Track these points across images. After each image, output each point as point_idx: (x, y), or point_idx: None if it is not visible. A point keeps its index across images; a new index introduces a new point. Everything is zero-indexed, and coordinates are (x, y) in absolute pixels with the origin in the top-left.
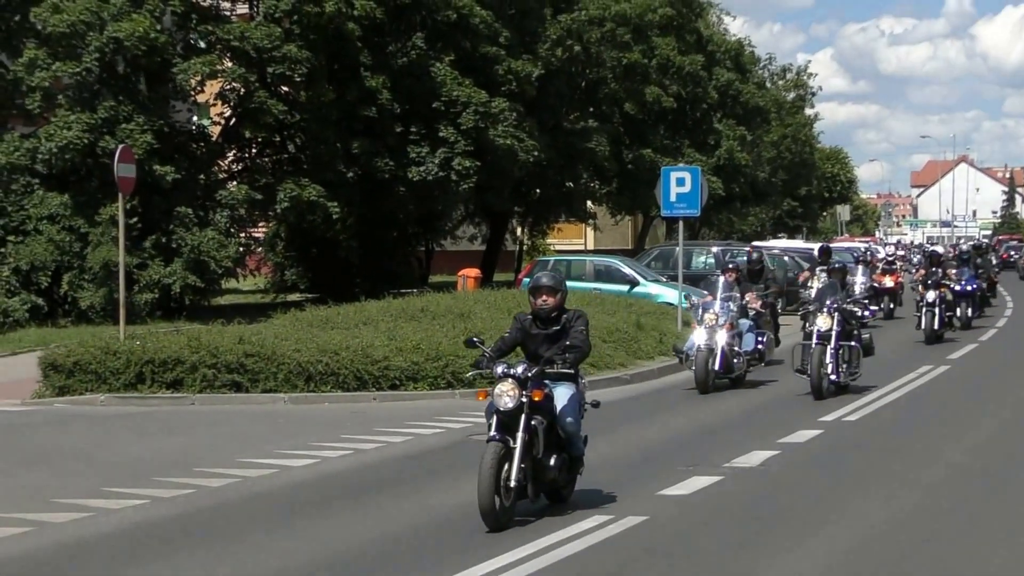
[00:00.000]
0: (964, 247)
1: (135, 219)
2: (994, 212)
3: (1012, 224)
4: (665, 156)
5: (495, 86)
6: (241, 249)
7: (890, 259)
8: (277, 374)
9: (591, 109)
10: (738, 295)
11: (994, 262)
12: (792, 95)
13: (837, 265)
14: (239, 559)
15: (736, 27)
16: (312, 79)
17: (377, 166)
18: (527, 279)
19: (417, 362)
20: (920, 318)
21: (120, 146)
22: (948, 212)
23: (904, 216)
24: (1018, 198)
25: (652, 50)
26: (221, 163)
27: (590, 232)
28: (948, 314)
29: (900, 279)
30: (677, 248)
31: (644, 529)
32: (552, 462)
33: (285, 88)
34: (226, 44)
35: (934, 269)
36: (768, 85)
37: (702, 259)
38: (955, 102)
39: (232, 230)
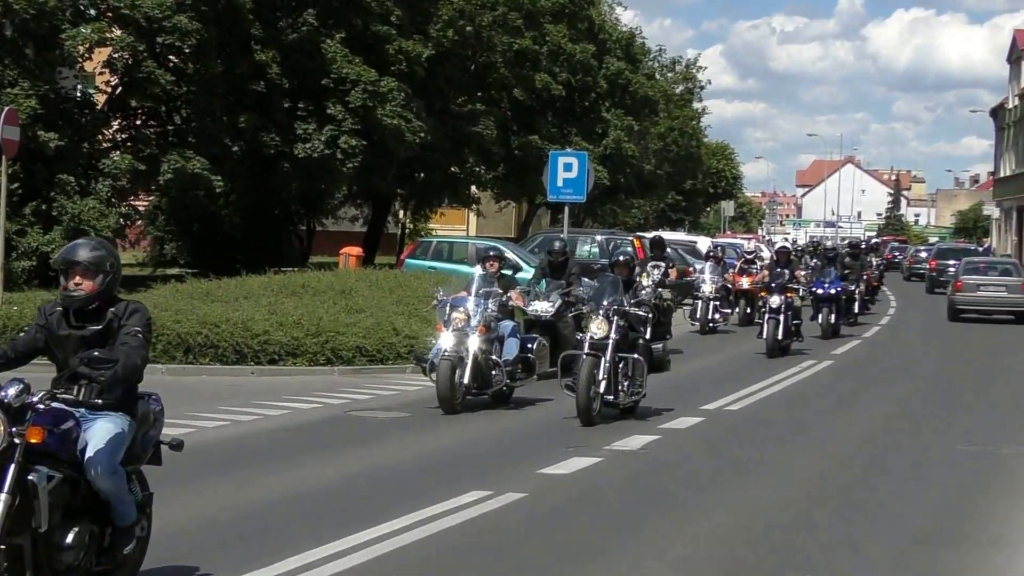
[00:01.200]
0: (829, 244)
1: (16, 185)
2: (879, 214)
3: (897, 226)
4: (552, 143)
5: (385, 65)
6: (122, 220)
7: (749, 258)
8: (156, 344)
9: (479, 93)
10: (499, 291)
11: (875, 263)
12: (681, 88)
13: (622, 258)
14: None
15: (627, 19)
16: (202, 51)
17: (263, 141)
18: (410, 259)
19: (297, 337)
20: (763, 326)
21: (6, 108)
22: (833, 212)
23: (788, 216)
24: (903, 200)
25: (543, 37)
26: (106, 132)
27: (472, 218)
28: (795, 322)
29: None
30: (561, 235)
31: (523, 505)
32: (69, 539)
33: (174, 59)
34: (116, 12)
35: (780, 270)
36: (657, 77)
37: (586, 247)
38: (844, 103)
39: (113, 200)
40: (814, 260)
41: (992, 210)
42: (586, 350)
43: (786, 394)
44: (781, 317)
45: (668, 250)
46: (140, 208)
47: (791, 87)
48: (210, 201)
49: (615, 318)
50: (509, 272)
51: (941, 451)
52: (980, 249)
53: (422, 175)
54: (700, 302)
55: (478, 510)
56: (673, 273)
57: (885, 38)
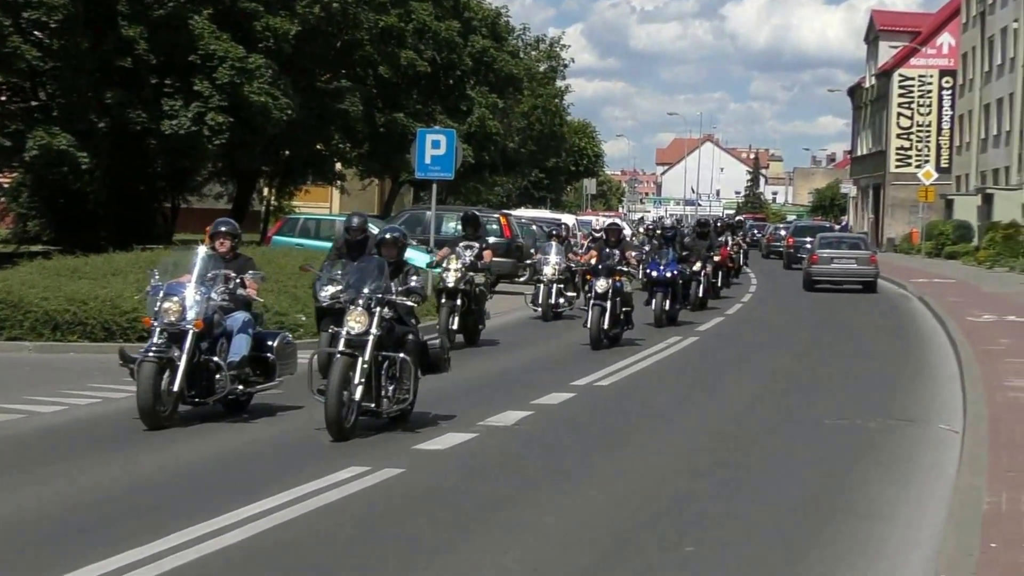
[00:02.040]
0: (667, 223)
1: None
2: (738, 192)
3: (756, 204)
4: (418, 121)
5: (252, 42)
6: None
7: (597, 236)
8: (23, 322)
9: (344, 71)
10: (225, 273)
11: (739, 241)
12: (544, 66)
13: (388, 236)
14: None
15: None
16: (68, 27)
17: (130, 118)
18: (277, 236)
19: None
20: (587, 314)
21: None
22: (693, 191)
23: (648, 194)
24: (761, 179)
25: (409, 14)
26: None
27: (336, 196)
28: (625, 309)
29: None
30: (428, 212)
31: (402, 481)
32: None
33: (39, 34)
34: None
35: (609, 251)
36: (522, 55)
37: (452, 224)
38: (702, 82)
39: None
40: (652, 240)
41: (849, 188)
42: (340, 348)
43: (655, 370)
44: (608, 304)
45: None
46: (4, 184)
47: (651, 66)
48: (75, 178)
49: (378, 309)
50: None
51: (809, 425)
52: (838, 227)
53: (287, 152)
54: (542, 286)
55: (357, 486)
56: (487, 255)
57: (743, 18)
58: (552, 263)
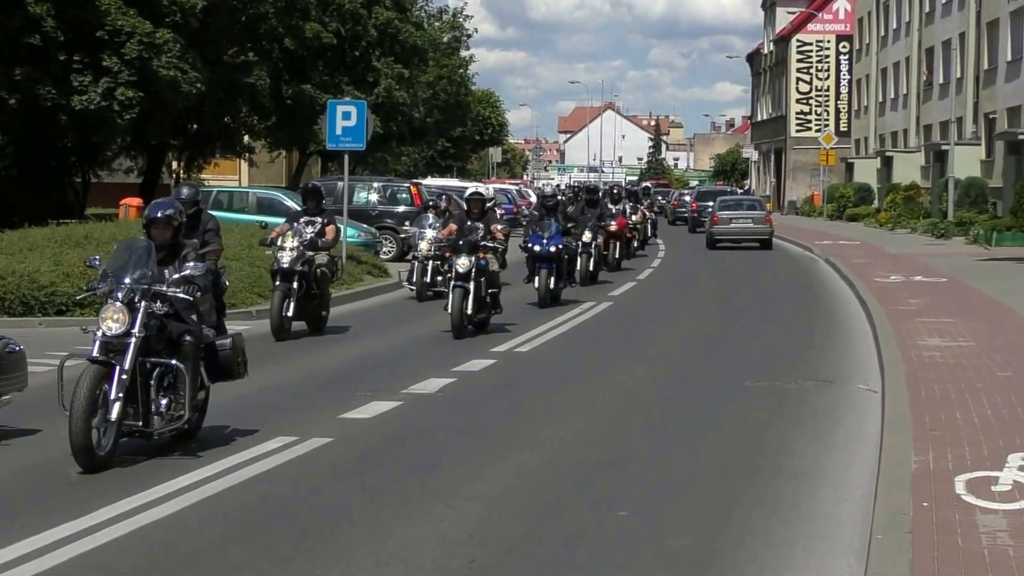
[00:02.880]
0: (548, 191)
1: None
2: (640, 158)
3: (658, 170)
4: (325, 92)
5: (159, 17)
6: None
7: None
8: None
9: (250, 45)
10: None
11: (627, 210)
12: (448, 37)
13: (161, 214)
14: None
15: None
16: None
17: (39, 94)
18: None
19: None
20: (448, 297)
21: None
22: (595, 158)
23: (552, 162)
24: (663, 145)
25: None
26: None
27: (245, 169)
28: (491, 290)
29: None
30: (339, 183)
31: (330, 450)
32: None
33: None
34: None
35: (471, 224)
36: (425, 26)
37: (364, 194)
38: (601, 51)
39: None
40: (532, 210)
41: (751, 153)
42: (94, 354)
43: (571, 335)
44: (471, 285)
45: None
46: None
47: (550, 36)
48: None
49: (142, 304)
50: None
51: (730, 387)
52: (740, 192)
53: (195, 126)
54: (416, 263)
55: (285, 456)
56: (331, 232)
57: None
58: (428, 237)
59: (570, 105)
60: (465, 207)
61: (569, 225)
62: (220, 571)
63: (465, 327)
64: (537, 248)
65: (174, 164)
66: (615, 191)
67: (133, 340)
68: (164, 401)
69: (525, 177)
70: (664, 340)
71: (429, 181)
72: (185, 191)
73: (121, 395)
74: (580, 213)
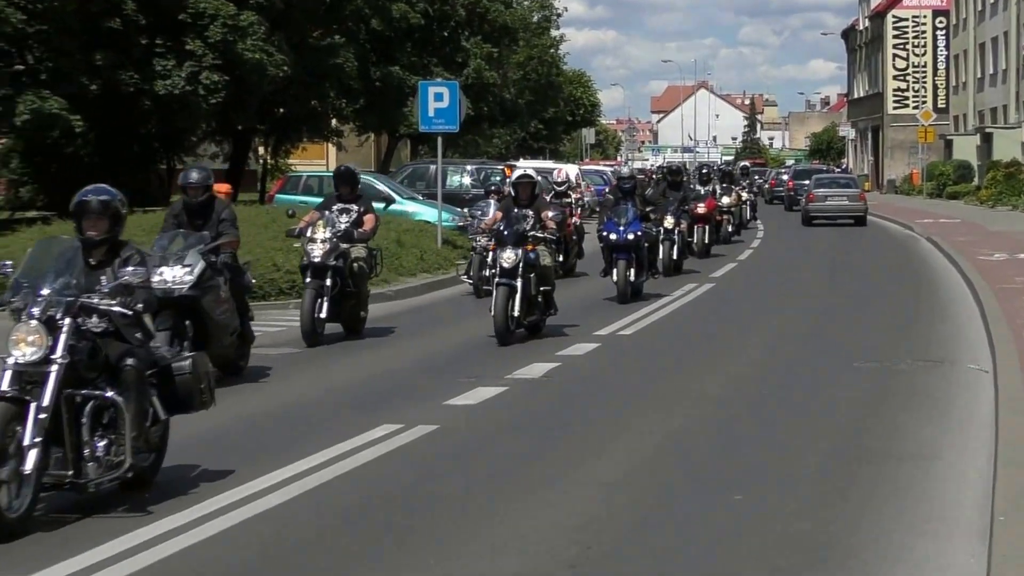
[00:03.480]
0: (624, 171)
1: None
2: (734, 138)
3: (754, 149)
4: (414, 74)
5: None
6: None
7: (560, 190)
8: None
9: (335, 27)
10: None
11: (718, 190)
12: (538, 16)
13: (92, 198)
14: None
15: None
16: None
17: (121, 79)
18: (279, 195)
19: None
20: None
21: None
22: (690, 138)
23: (645, 142)
24: (758, 124)
25: None
26: None
27: (332, 154)
28: (543, 288)
29: (575, 219)
30: (432, 166)
31: (437, 437)
32: None
33: None
34: None
35: (519, 211)
36: (515, 5)
37: (456, 178)
38: (692, 28)
39: None
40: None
41: (847, 131)
42: (2, 388)
43: (675, 317)
44: (519, 283)
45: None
46: None
47: (639, 14)
48: (67, 142)
49: (66, 321)
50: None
51: (840, 368)
52: (838, 170)
53: (281, 110)
54: (474, 254)
55: (392, 444)
56: (368, 222)
57: None
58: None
59: (661, 85)
60: (512, 191)
61: (648, 209)
62: (331, 561)
63: (511, 331)
64: (613, 237)
65: (260, 149)
66: (704, 171)
67: (55, 368)
68: (102, 444)
69: (619, 158)
70: (769, 320)
71: (522, 163)
72: (195, 175)
73: (38, 439)
74: (661, 195)
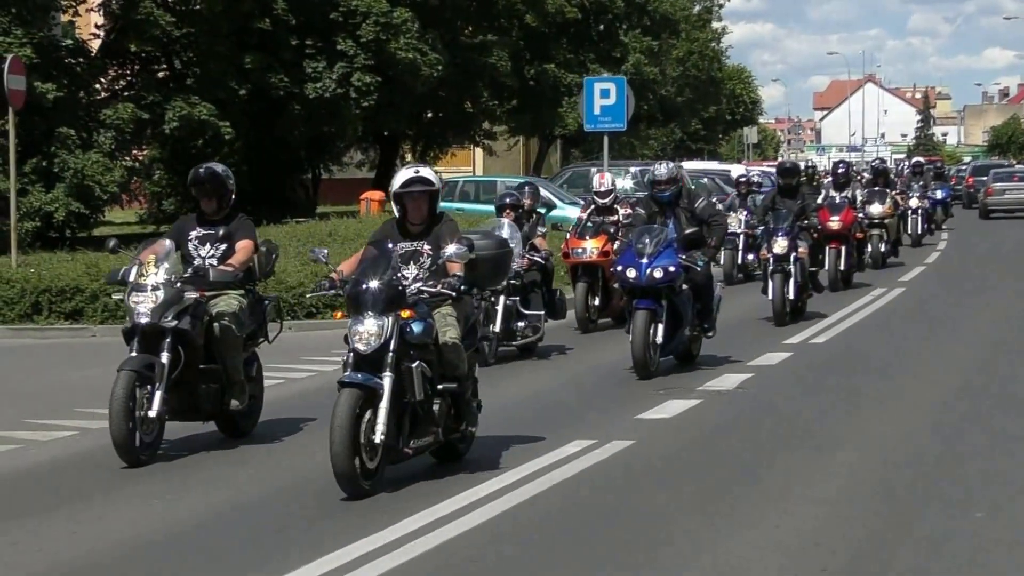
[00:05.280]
0: (661, 172)
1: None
2: (903, 135)
3: (928, 146)
4: (569, 72)
5: None
6: (126, 173)
7: (602, 202)
8: None
9: (485, 24)
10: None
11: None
12: (698, 8)
13: None
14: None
15: None
16: None
17: (271, 83)
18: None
19: None
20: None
21: (9, 57)
22: (855, 135)
23: (808, 141)
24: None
25: None
26: (103, 81)
27: (479, 159)
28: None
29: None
30: (593, 169)
31: (634, 452)
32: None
33: None
34: None
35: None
36: None
37: (619, 180)
38: (855, 19)
39: (116, 153)
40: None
41: None
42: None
43: (868, 324)
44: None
45: (703, 180)
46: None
47: (799, 5)
48: (214, 150)
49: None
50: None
51: None
52: (1020, 166)
53: (429, 114)
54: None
55: (588, 460)
56: (241, 251)
57: None
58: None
59: (822, 80)
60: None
61: (690, 232)
62: None
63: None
64: (631, 275)
65: (407, 156)
66: (840, 170)
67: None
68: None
69: (780, 159)
70: (972, 324)
71: (689, 165)
72: (201, 172)
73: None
74: (771, 206)
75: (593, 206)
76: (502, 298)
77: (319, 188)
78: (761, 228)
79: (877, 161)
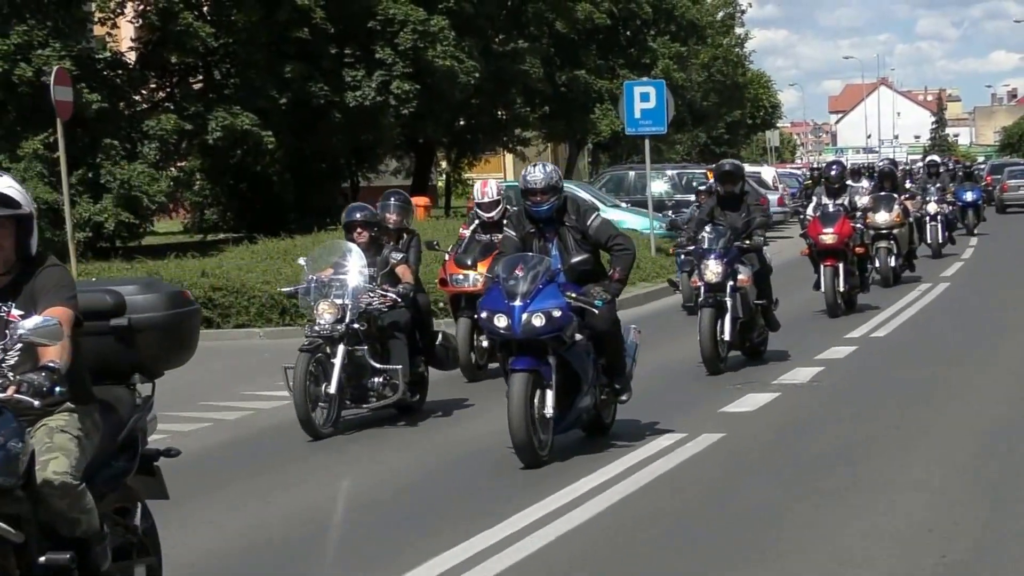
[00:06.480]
0: (536, 175)
1: (58, 153)
2: (917, 136)
3: (943, 147)
4: (599, 78)
5: (431, 3)
6: (172, 183)
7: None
8: (249, 308)
9: (515, 31)
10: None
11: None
12: (722, 14)
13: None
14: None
15: None
16: None
17: (311, 92)
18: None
19: None
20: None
21: (55, 68)
22: (873, 137)
23: (826, 144)
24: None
25: None
26: (143, 92)
27: (511, 165)
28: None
29: None
30: (631, 172)
31: (727, 444)
32: None
33: (207, 9)
34: None
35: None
36: (700, 1)
37: (657, 183)
38: (866, 24)
39: (161, 164)
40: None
41: None
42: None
43: (923, 317)
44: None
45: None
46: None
47: (811, 11)
48: (255, 160)
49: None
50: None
51: None
52: None
53: (462, 121)
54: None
55: (684, 453)
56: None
57: None
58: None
59: (835, 84)
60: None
61: (588, 255)
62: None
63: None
64: (501, 324)
65: (443, 163)
66: (834, 172)
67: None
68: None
69: (799, 162)
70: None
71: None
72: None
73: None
74: (708, 216)
75: (477, 221)
76: (340, 348)
77: (359, 195)
78: (692, 247)
79: (884, 162)
